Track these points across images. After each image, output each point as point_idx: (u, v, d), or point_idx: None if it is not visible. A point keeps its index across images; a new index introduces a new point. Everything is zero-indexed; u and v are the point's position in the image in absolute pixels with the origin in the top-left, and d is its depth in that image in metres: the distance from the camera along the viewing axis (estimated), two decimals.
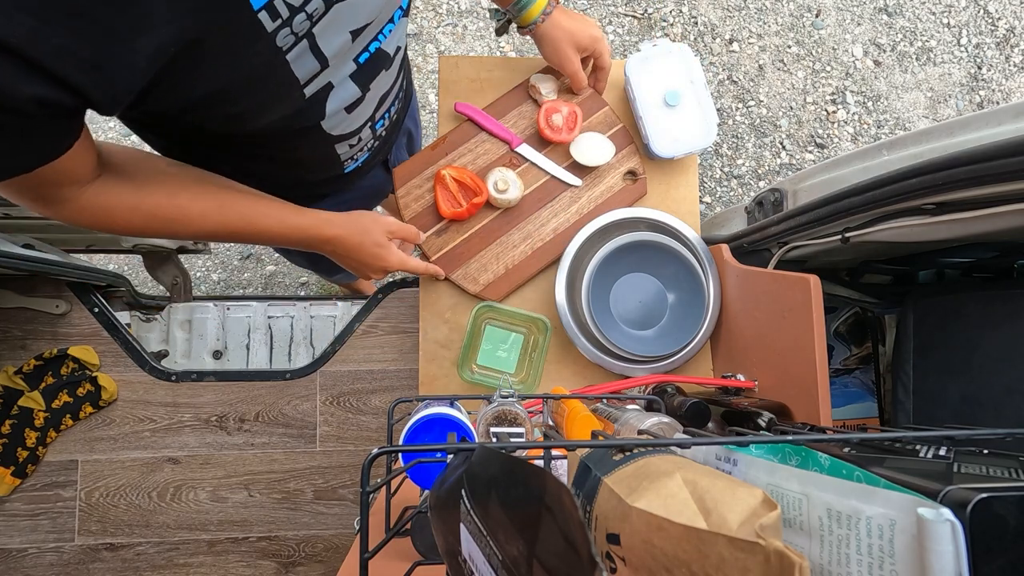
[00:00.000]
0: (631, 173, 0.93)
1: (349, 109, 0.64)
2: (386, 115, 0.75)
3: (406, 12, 0.65)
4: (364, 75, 0.62)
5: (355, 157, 0.76)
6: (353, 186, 0.83)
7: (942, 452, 0.36)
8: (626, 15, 1.92)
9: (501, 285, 0.91)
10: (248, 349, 1.38)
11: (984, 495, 0.26)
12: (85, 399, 1.17)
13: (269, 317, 1.40)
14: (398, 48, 0.66)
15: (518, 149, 0.91)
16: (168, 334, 1.35)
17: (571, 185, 0.92)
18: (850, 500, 0.28)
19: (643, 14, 1.92)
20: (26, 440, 1.14)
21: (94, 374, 1.19)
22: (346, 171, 0.77)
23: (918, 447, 0.38)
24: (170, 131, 0.62)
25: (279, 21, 0.47)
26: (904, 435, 0.40)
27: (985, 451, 0.36)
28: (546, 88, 0.91)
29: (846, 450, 0.40)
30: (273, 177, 0.69)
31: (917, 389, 0.90)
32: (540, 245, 0.92)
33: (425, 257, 0.90)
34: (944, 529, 0.24)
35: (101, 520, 1.18)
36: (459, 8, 1.89)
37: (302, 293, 1.77)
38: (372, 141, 0.76)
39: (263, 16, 0.45)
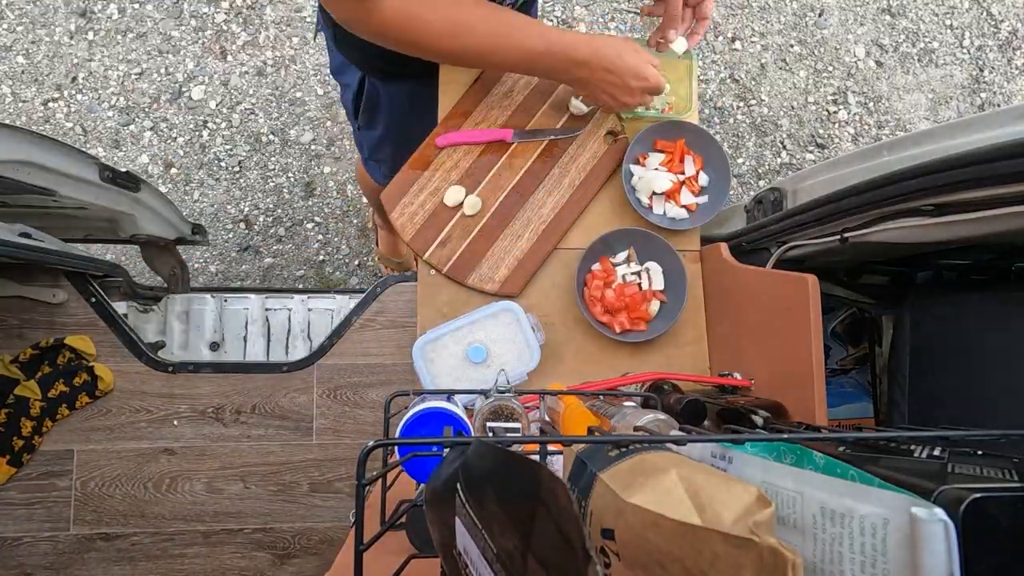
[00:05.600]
0: (611, 133, 0.94)
1: None
2: None
3: None
4: None
5: None
6: None
7: (937, 452, 0.37)
8: (628, 11, 1.91)
9: (518, 277, 0.91)
10: (245, 341, 1.38)
11: (978, 495, 0.26)
12: (81, 389, 1.17)
13: (267, 310, 1.40)
14: None
15: (513, 139, 0.92)
16: (165, 325, 1.35)
17: (574, 136, 0.93)
18: (844, 499, 0.28)
19: None
20: (22, 429, 1.14)
21: (91, 364, 1.18)
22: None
23: (913, 447, 0.38)
24: None
25: None
26: (899, 435, 0.40)
27: (979, 452, 0.36)
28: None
29: (841, 449, 0.40)
30: None
31: (913, 390, 0.91)
32: (544, 227, 0.92)
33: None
34: (937, 528, 0.24)
35: (96, 510, 1.18)
36: None
37: (300, 286, 1.76)
38: None
39: None
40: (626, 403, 0.65)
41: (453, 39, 0.70)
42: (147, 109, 1.76)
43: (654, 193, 0.91)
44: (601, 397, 0.70)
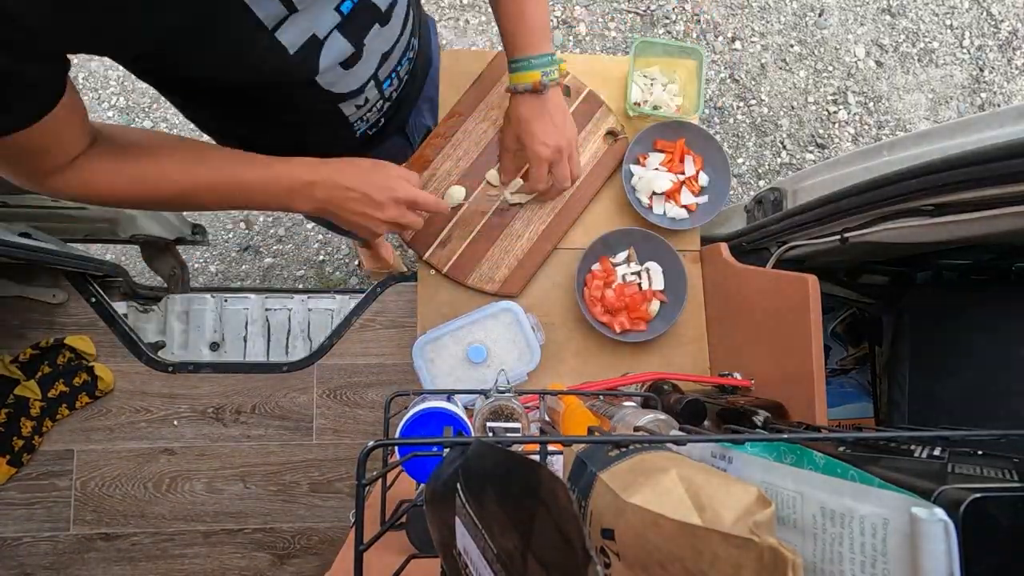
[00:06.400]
0: (611, 133, 0.94)
1: (345, 65, 0.61)
2: (392, 75, 0.71)
3: None
4: (353, 29, 0.59)
5: (365, 118, 0.74)
6: (370, 155, 0.79)
7: (937, 452, 0.37)
8: (628, 11, 1.91)
9: (518, 277, 0.91)
10: (245, 341, 1.38)
11: (978, 495, 0.26)
12: (81, 389, 1.17)
13: (267, 310, 1.40)
14: (392, 3, 0.62)
15: None
16: (165, 325, 1.35)
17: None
18: (844, 499, 0.28)
19: (645, 10, 1.92)
20: (22, 429, 1.14)
21: (91, 364, 1.18)
22: (358, 134, 0.75)
23: (913, 447, 0.38)
24: (171, 85, 0.63)
25: None
26: (899, 435, 0.40)
27: (979, 452, 0.36)
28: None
29: (841, 449, 0.40)
30: (280, 143, 0.67)
31: (913, 390, 0.91)
32: (544, 227, 0.92)
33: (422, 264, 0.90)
34: (937, 528, 0.24)
35: (96, 510, 1.18)
36: (461, 3, 1.88)
37: (300, 286, 1.76)
38: (381, 101, 0.73)
39: None
40: (626, 403, 0.65)
41: (149, 192, 0.60)
42: (147, 109, 1.76)
43: (654, 193, 0.91)
44: (601, 397, 0.70)
